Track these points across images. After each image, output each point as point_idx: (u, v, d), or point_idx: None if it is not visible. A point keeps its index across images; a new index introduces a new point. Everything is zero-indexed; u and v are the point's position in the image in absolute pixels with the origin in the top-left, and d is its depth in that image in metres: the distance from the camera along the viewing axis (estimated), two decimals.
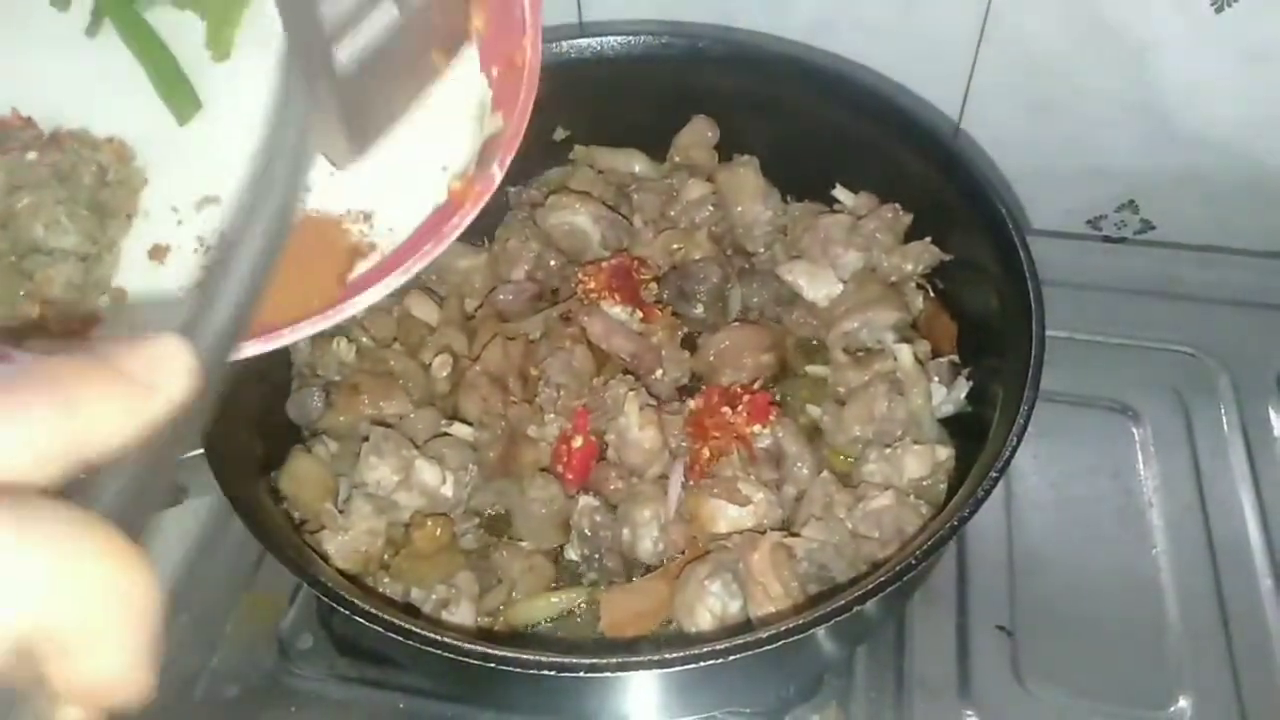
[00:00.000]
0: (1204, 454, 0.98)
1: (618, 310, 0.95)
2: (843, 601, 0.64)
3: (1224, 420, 1.00)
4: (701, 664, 0.62)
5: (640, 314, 0.95)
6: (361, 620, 0.67)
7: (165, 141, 0.64)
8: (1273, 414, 1.00)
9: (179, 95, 0.64)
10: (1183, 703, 0.83)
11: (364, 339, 0.94)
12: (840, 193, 1.02)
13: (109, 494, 0.32)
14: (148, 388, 0.33)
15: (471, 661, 0.64)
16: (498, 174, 0.58)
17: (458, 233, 0.57)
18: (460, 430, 0.89)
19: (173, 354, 0.35)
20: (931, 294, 0.97)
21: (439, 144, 0.61)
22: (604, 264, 0.98)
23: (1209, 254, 1.16)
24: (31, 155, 0.59)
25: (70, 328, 0.57)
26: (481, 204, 0.58)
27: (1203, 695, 0.83)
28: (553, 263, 1.01)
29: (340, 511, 0.82)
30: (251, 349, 0.53)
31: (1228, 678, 0.84)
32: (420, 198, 0.61)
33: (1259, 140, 1.09)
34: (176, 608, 0.92)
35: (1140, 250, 1.20)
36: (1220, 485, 0.96)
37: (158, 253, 0.61)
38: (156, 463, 0.34)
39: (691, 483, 0.85)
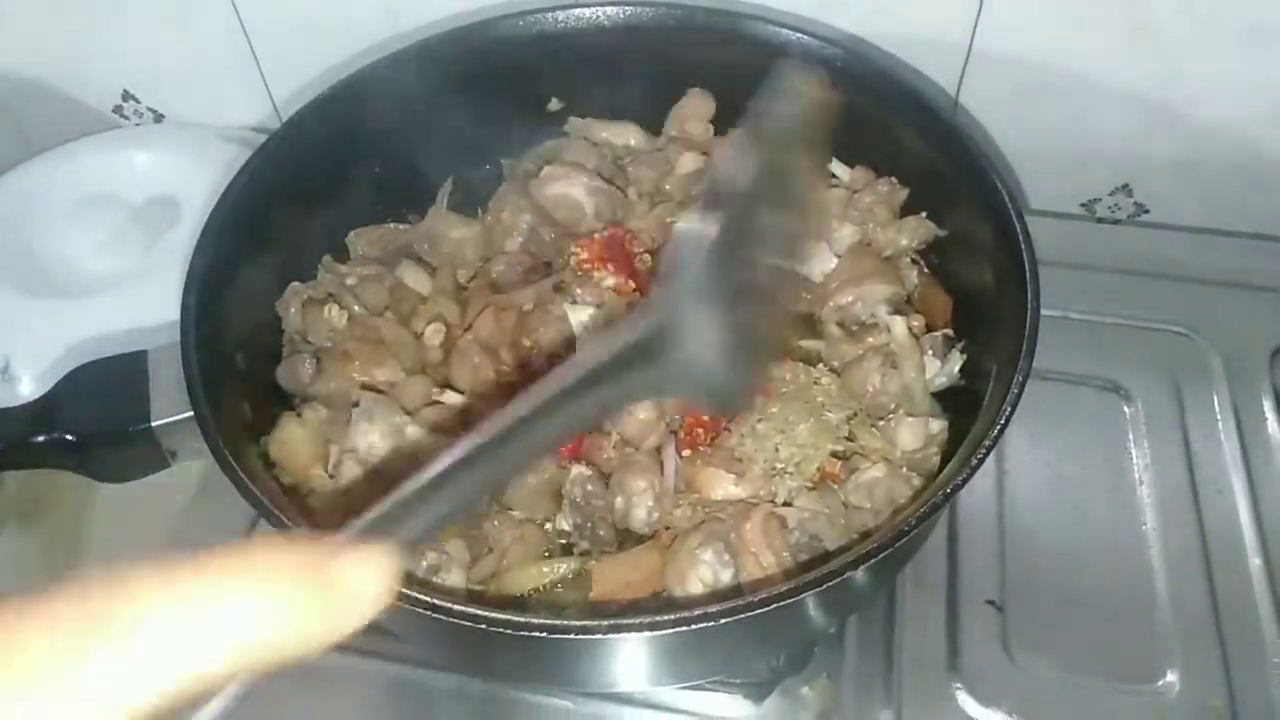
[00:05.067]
0: (1195, 433, 0.98)
1: (610, 282, 0.94)
2: (834, 566, 0.64)
3: (1215, 400, 1.00)
4: (693, 626, 0.62)
5: (633, 285, 0.94)
6: None
7: None
8: (1264, 395, 1.01)
9: None
10: (1170, 677, 0.83)
11: (355, 306, 0.93)
12: (836, 166, 1.01)
13: None
14: (344, 607, 0.29)
15: (462, 624, 0.63)
16: None
17: None
18: (451, 398, 0.88)
19: (381, 567, 0.30)
20: (926, 269, 0.97)
21: None
22: (598, 236, 0.97)
23: (1203, 236, 1.17)
24: None
25: None
26: None
27: (1190, 670, 0.83)
28: (546, 236, 1.00)
29: (330, 477, 0.81)
30: None
31: (1215, 653, 0.84)
32: None
33: (1254, 124, 1.09)
34: None
35: (1134, 231, 1.20)
36: (1211, 465, 0.96)
37: None
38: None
39: (687, 452, 0.84)
